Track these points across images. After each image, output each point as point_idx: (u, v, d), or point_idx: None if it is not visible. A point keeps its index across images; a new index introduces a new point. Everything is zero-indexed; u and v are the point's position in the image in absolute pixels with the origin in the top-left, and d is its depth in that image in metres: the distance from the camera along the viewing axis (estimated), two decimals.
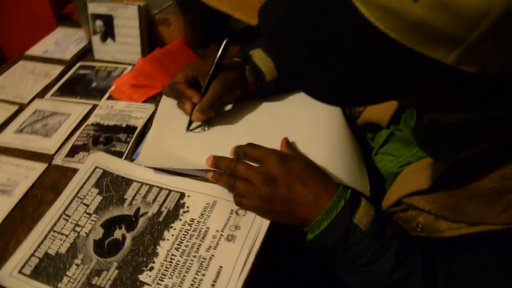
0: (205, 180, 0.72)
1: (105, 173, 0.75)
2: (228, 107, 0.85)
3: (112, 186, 0.73)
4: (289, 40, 0.43)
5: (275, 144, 0.72)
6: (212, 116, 0.79)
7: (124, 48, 1.06)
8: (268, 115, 0.83)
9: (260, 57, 0.81)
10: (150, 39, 1.07)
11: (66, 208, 0.69)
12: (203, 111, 0.76)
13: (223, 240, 0.63)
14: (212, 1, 1.00)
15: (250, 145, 0.70)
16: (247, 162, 0.69)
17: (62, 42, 1.20)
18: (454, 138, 0.56)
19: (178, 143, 0.78)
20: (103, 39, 1.07)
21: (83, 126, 0.87)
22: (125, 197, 0.71)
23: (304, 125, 0.79)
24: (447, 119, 0.56)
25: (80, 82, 1.02)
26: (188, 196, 0.70)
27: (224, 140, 0.77)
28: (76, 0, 1.07)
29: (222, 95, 0.77)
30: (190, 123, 0.79)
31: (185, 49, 1.05)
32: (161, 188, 0.72)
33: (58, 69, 1.08)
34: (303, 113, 0.82)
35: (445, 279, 0.58)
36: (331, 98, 0.42)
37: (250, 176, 0.65)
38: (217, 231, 0.64)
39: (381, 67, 0.38)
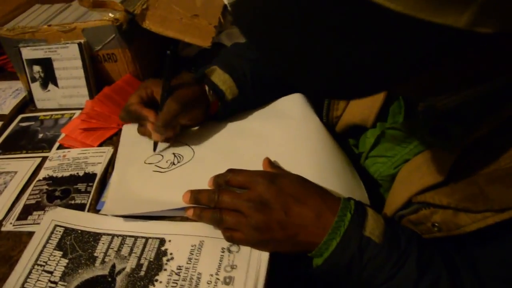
0: (186, 219, 0.64)
1: (68, 231, 0.65)
2: (194, 131, 0.79)
3: (77, 245, 0.62)
4: (276, 28, 0.36)
5: (256, 166, 0.65)
6: (171, 135, 0.74)
7: (69, 92, 0.97)
8: (239, 137, 0.76)
9: (217, 74, 0.76)
10: (97, 78, 0.98)
11: (25, 281, 0.58)
12: (159, 129, 0.70)
13: (220, 284, 0.54)
14: (157, 27, 0.93)
15: (231, 171, 0.63)
16: (231, 190, 0.61)
17: None
18: (459, 122, 0.51)
19: (146, 183, 0.69)
20: (44, 86, 0.98)
21: (34, 183, 0.76)
22: (95, 254, 0.61)
23: (281, 140, 0.73)
24: (446, 102, 0.52)
25: (23, 135, 0.91)
26: (169, 241, 0.61)
27: (198, 172, 0.70)
28: (7, 47, 0.97)
29: (178, 111, 0.70)
30: (155, 144, 0.75)
31: (136, 82, 0.98)
32: (136, 237, 0.62)
33: None
34: (276, 128, 0.76)
35: (471, 278, 0.53)
36: (332, 91, 0.37)
37: (238, 205, 0.58)
38: (211, 275, 0.55)
39: (385, 47, 0.33)
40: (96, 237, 0.63)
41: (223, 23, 1.06)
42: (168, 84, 0.70)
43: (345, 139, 0.80)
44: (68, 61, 0.94)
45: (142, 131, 0.75)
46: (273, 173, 0.62)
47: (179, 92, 0.71)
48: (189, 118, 0.75)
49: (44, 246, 0.62)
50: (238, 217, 0.57)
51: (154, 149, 0.75)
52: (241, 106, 0.79)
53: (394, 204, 0.60)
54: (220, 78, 0.75)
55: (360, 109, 0.70)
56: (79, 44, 0.92)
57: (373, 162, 0.70)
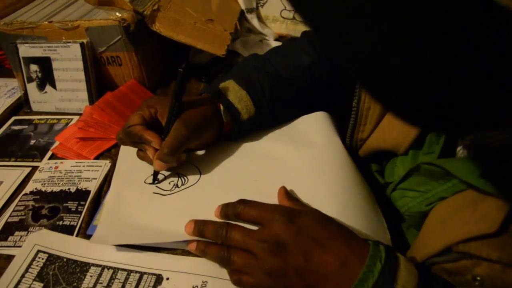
0: (187, 253, 0.56)
1: (51, 259, 0.57)
2: (200, 153, 0.70)
3: (62, 276, 0.54)
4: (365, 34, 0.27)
5: (270, 195, 0.58)
6: (175, 164, 0.64)
7: (68, 95, 0.90)
8: (252, 159, 0.68)
9: (233, 91, 0.68)
10: (98, 82, 0.91)
11: None
12: (164, 158, 0.61)
13: None
14: (168, 31, 0.86)
15: (242, 202, 0.55)
16: (241, 225, 0.53)
17: None
18: None
19: (145, 207, 0.61)
20: (41, 87, 0.90)
21: (20, 196, 0.68)
22: None
23: (299, 166, 0.65)
24: (503, 138, 0.44)
25: (14, 140, 0.84)
26: (167, 278, 0.53)
27: (204, 198, 0.62)
28: (4, 43, 0.89)
29: (187, 136, 0.62)
30: (155, 174, 0.65)
31: (141, 89, 0.90)
32: (129, 271, 0.54)
33: None
34: (295, 151, 0.68)
35: None
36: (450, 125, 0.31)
37: (249, 245, 0.50)
38: None
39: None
40: (83, 267, 0.55)
41: (239, 30, 0.99)
42: (178, 105, 0.62)
43: (367, 164, 0.72)
44: (69, 62, 0.87)
45: (142, 156, 0.66)
46: (292, 209, 0.54)
47: (188, 113, 0.63)
48: (199, 142, 0.67)
49: (23, 276, 0.55)
50: (249, 258, 0.50)
51: (154, 180, 0.65)
52: (256, 126, 0.72)
53: (427, 248, 0.52)
54: (236, 94, 0.68)
55: (393, 134, 0.62)
56: (82, 44, 0.85)
57: (402, 195, 0.62)
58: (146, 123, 0.64)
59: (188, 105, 0.64)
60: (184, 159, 0.66)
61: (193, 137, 0.63)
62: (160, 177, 0.65)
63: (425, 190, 0.57)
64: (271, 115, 0.71)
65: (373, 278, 0.46)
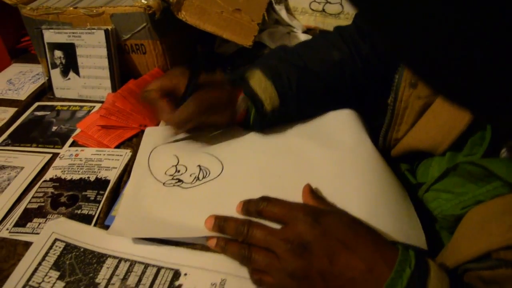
0: (207, 248, 0.54)
1: (69, 248, 0.56)
2: (224, 141, 0.70)
3: (78, 266, 0.54)
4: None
5: (294, 192, 0.56)
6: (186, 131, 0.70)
7: (91, 82, 0.89)
8: (277, 154, 0.66)
9: (258, 80, 0.67)
10: (122, 70, 0.90)
11: None
12: (173, 126, 0.66)
13: None
14: (194, 20, 0.84)
15: (265, 199, 0.54)
16: (263, 223, 0.52)
17: (16, 80, 1.02)
18: None
19: (165, 200, 0.60)
20: (64, 73, 0.90)
21: (39, 183, 0.68)
22: (97, 281, 0.52)
23: (326, 164, 0.63)
24: None
25: (37, 126, 0.84)
26: (185, 274, 0.52)
27: (226, 192, 0.61)
28: (29, 28, 0.89)
29: (194, 115, 0.64)
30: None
31: None
32: (147, 265, 0.53)
33: (11, 111, 0.89)
34: (321, 148, 0.65)
35: None
36: None
37: (272, 245, 0.49)
38: None
39: None
40: (100, 258, 0.54)
41: (267, 21, 0.96)
42: (194, 81, 0.63)
43: (396, 163, 0.69)
44: (93, 49, 0.87)
45: (158, 117, 0.70)
46: (318, 209, 0.52)
47: (203, 92, 0.64)
48: (208, 123, 0.68)
49: (40, 264, 0.54)
50: (271, 258, 0.48)
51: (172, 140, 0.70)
52: (279, 119, 0.70)
53: (461, 254, 0.49)
54: (261, 85, 0.66)
55: (431, 134, 0.59)
56: (106, 31, 0.84)
57: (435, 197, 0.59)
58: (165, 90, 0.66)
59: (206, 85, 0.65)
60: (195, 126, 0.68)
61: (202, 117, 0.65)
62: (181, 168, 0.65)
63: (460, 192, 0.54)
64: (296, 109, 0.69)
65: (401, 285, 0.43)
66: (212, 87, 0.65)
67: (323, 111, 0.72)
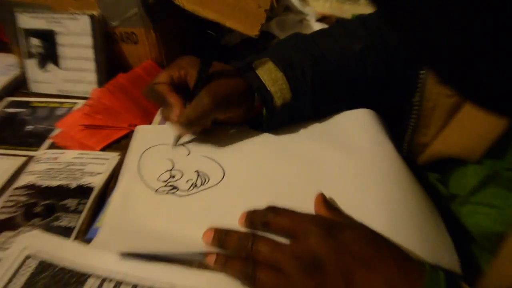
0: (205, 266, 0.54)
1: (43, 265, 0.56)
2: (226, 144, 0.71)
3: (54, 287, 0.53)
4: None
5: (306, 202, 0.58)
6: (199, 131, 0.71)
7: (73, 75, 0.92)
8: (286, 159, 0.68)
9: (267, 70, 0.68)
10: (110, 62, 0.93)
11: None
12: (183, 125, 0.65)
13: None
14: (193, 5, 0.86)
15: (272, 209, 0.55)
16: (269, 237, 0.53)
17: None
18: None
19: (157, 210, 0.61)
20: (42, 64, 0.92)
21: (10, 190, 0.69)
22: None
23: (341, 171, 0.64)
24: None
25: (8, 125, 0.86)
26: None
27: (227, 201, 0.62)
28: (1, 12, 0.91)
29: (209, 108, 0.64)
30: (177, 137, 0.70)
31: (158, 72, 0.89)
32: (135, 285, 0.53)
33: None
34: (336, 153, 0.67)
35: None
36: None
37: (279, 262, 0.49)
38: None
39: None
40: (80, 278, 0.54)
41: (275, 8, 0.97)
42: (206, 71, 0.64)
43: (424, 172, 0.70)
44: (76, 37, 0.89)
45: (166, 115, 0.68)
46: (332, 221, 0.53)
47: (217, 83, 0.65)
48: (225, 117, 0.69)
49: (8, 283, 0.54)
50: (279, 278, 0.49)
51: (175, 143, 0.70)
52: (292, 116, 0.71)
53: (504, 280, 0.49)
54: (271, 75, 0.67)
55: (463, 138, 0.60)
56: (91, 17, 0.87)
57: (473, 212, 0.59)
58: (174, 83, 0.67)
59: (220, 74, 0.66)
60: (209, 126, 0.70)
61: (218, 110, 0.65)
62: (176, 173, 0.66)
63: (503, 205, 0.55)
64: (310, 105, 0.69)
65: None
66: (225, 77, 0.67)
67: (339, 109, 0.73)
